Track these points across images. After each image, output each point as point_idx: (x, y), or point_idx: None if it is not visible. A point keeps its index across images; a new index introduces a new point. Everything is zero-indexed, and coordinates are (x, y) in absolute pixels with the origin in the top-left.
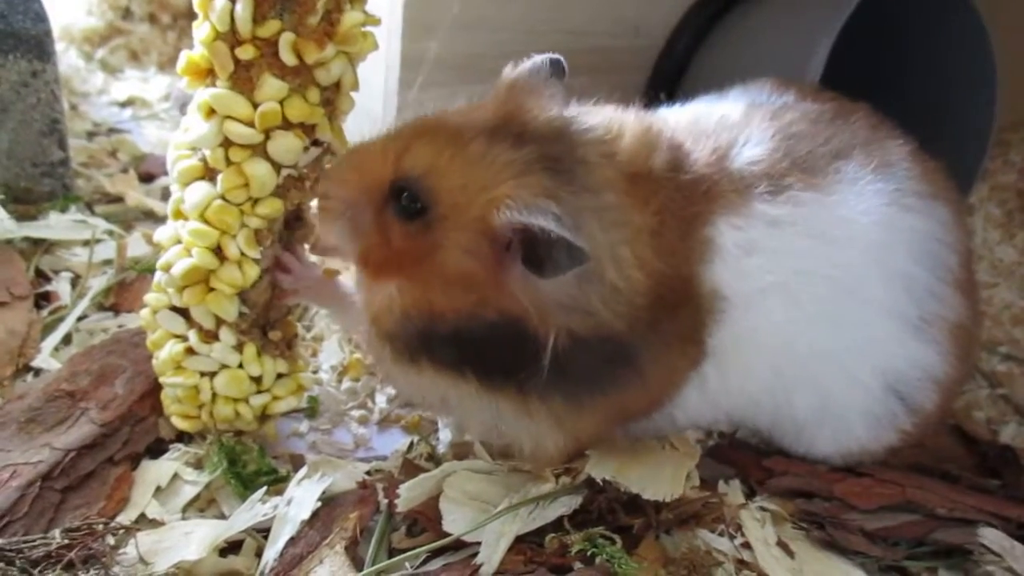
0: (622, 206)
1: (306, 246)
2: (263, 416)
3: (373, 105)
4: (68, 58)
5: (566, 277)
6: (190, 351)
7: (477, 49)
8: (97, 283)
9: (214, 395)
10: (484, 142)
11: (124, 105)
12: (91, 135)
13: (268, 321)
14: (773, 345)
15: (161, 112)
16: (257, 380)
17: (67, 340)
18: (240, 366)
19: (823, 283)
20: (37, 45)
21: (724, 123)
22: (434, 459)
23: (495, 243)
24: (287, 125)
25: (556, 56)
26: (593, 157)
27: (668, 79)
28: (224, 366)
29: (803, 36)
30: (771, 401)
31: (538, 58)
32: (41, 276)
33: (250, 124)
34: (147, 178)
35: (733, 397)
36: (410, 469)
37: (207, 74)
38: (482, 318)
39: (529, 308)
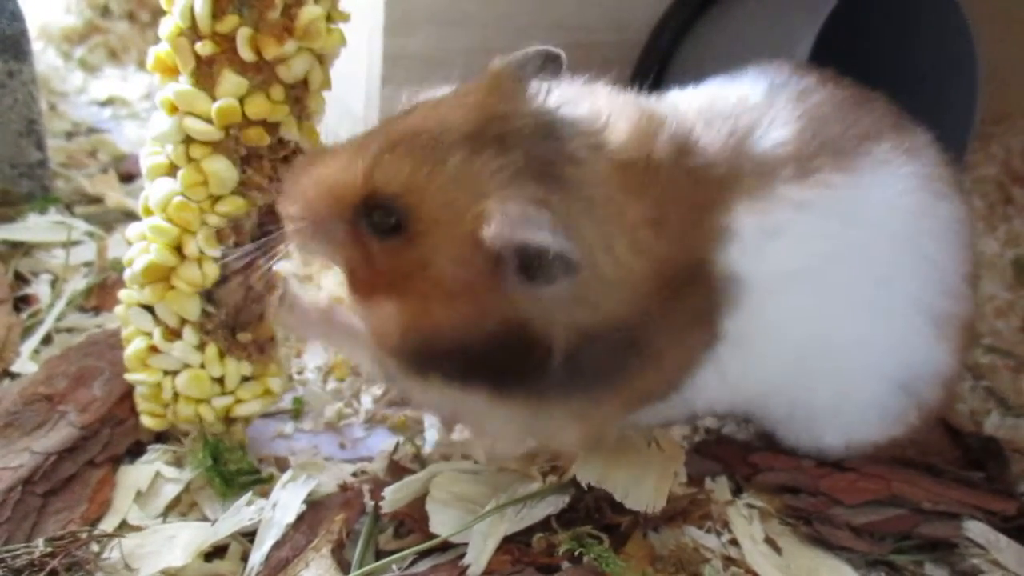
0: (613, 200)
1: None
2: (228, 419)
3: (355, 103)
4: (47, 57)
5: (564, 284)
6: (154, 349)
7: (459, 45)
8: (77, 285)
9: (176, 394)
10: (465, 152)
11: (104, 104)
12: (70, 135)
13: (238, 323)
14: (800, 332)
15: (141, 111)
16: (220, 381)
17: (48, 343)
18: (202, 366)
19: (855, 269)
20: (13, 45)
21: (744, 104)
22: (419, 460)
23: (485, 255)
24: (247, 122)
25: (553, 49)
26: (583, 152)
27: (651, 74)
28: (186, 365)
29: (786, 30)
30: (791, 389)
31: (530, 50)
32: (20, 279)
33: (210, 120)
34: (127, 178)
35: (753, 384)
36: (396, 470)
37: (174, 70)
38: (483, 329)
39: (530, 313)
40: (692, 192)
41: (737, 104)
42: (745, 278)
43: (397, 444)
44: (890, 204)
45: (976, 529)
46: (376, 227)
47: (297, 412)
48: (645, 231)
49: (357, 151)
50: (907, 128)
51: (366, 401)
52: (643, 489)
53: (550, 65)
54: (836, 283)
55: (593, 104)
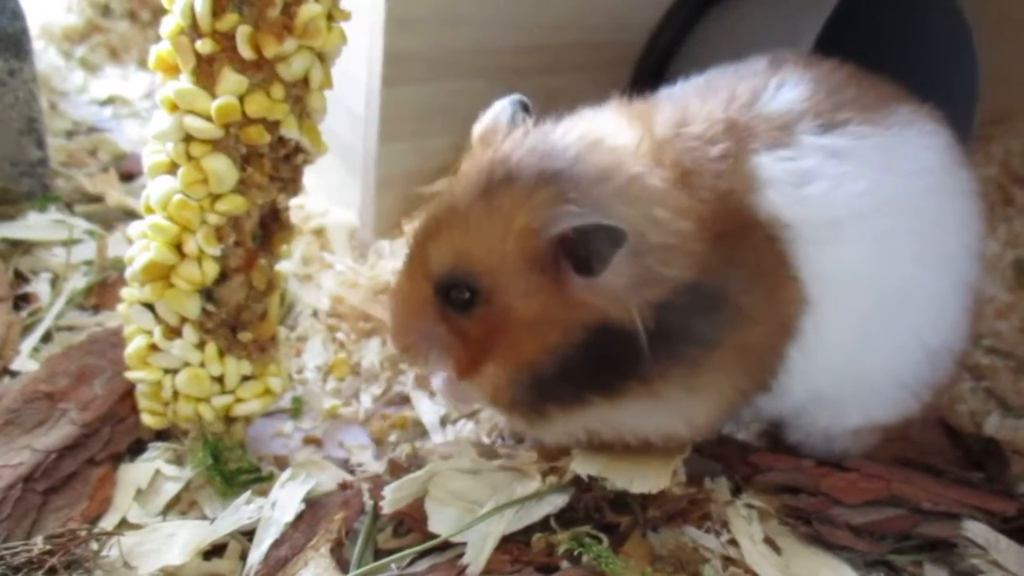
0: (633, 178)
1: None
2: (228, 418)
3: (355, 103)
4: (47, 56)
5: (619, 264)
6: (154, 347)
7: (461, 44)
8: (77, 284)
9: (176, 392)
10: (482, 201)
11: (104, 103)
12: (71, 134)
13: (240, 322)
14: (859, 290)
15: (142, 110)
16: (220, 380)
17: (48, 341)
18: (202, 365)
19: (899, 220)
20: (14, 43)
21: (742, 74)
22: (417, 459)
23: (544, 273)
24: (247, 121)
25: (519, 97)
26: (583, 151)
27: (651, 74)
28: (186, 364)
29: (786, 30)
30: (857, 358)
31: (499, 102)
32: (20, 277)
33: (210, 119)
34: (127, 177)
35: (828, 357)
36: (396, 469)
37: (175, 68)
38: (574, 342)
39: (606, 307)
40: (706, 151)
41: (735, 77)
42: (793, 224)
43: (396, 443)
44: (923, 159)
45: (976, 529)
46: (458, 304)
47: (296, 411)
48: (677, 194)
49: (410, 261)
50: (916, 100)
51: (365, 400)
52: (646, 475)
53: (521, 110)
54: (884, 232)
55: (579, 120)
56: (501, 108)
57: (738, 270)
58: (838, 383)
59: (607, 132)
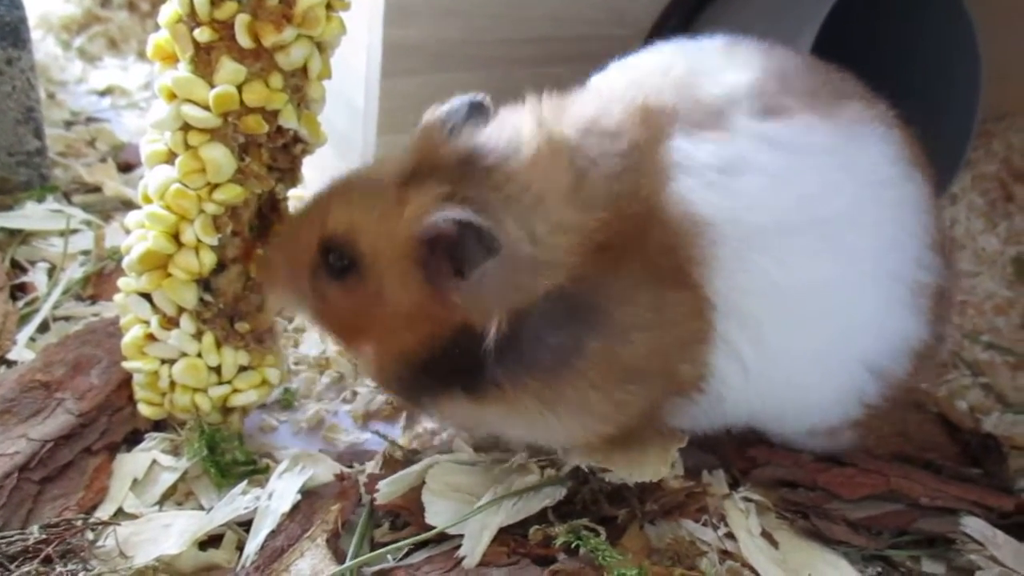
0: (524, 189)
1: None
2: (225, 408)
3: (354, 94)
4: (46, 46)
5: (490, 271)
6: (151, 337)
7: (460, 35)
8: (74, 274)
9: (172, 383)
10: (396, 189)
11: (103, 94)
12: (69, 124)
13: (237, 312)
14: (805, 291)
15: (140, 101)
16: (217, 371)
17: (44, 331)
18: (199, 355)
19: (847, 223)
20: (12, 32)
21: (691, 52)
22: (410, 451)
23: (421, 269)
24: (245, 110)
25: (478, 98)
26: (493, 162)
27: None
28: (183, 354)
29: (787, 26)
30: (807, 383)
31: (457, 100)
32: (17, 267)
33: (208, 108)
34: (126, 168)
35: (777, 370)
36: (391, 461)
37: (173, 57)
38: (442, 338)
39: (468, 311)
40: (608, 149)
41: (683, 55)
42: (707, 214)
43: (391, 437)
44: (876, 165)
45: (973, 525)
46: (333, 269)
47: (288, 403)
48: (564, 208)
49: (314, 206)
50: (870, 96)
51: (362, 391)
52: (644, 465)
53: (476, 112)
54: (831, 236)
55: (504, 121)
56: (458, 105)
57: (620, 281)
58: (790, 406)
59: (521, 138)
